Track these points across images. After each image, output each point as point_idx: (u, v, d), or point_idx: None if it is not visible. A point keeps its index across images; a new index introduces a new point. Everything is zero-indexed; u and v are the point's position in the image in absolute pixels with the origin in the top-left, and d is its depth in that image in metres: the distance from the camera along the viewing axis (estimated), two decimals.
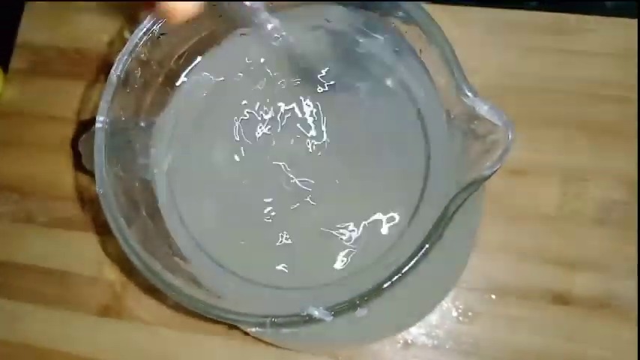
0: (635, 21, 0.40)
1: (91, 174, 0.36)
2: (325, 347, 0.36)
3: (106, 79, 0.43)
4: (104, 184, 0.25)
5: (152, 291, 0.41)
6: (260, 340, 0.38)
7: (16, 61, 0.48)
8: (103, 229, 0.43)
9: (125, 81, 0.25)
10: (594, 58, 0.40)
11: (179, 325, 0.41)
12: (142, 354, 0.41)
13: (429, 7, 0.40)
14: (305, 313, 0.21)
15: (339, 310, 0.21)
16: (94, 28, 0.47)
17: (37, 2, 0.49)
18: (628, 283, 0.36)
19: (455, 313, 0.38)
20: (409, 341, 0.38)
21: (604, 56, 0.40)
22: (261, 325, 0.22)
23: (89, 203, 0.44)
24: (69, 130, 0.45)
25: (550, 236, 0.38)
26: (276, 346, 0.38)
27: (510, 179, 0.39)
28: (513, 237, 0.38)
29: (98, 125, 0.25)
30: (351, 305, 0.21)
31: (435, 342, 0.38)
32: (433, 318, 0.37)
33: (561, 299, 0.37)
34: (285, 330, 0.21)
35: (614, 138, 0.39)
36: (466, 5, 0.42)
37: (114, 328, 0.42)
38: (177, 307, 0.41)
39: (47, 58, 0.48)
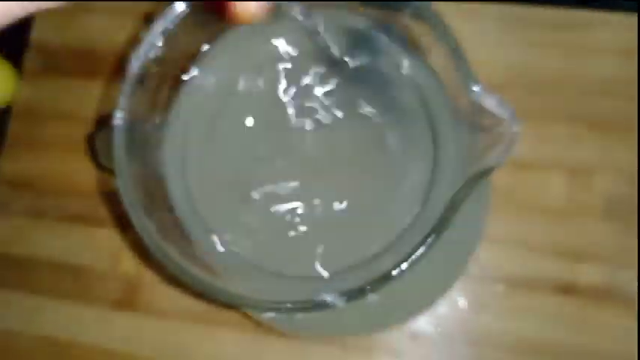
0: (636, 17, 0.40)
1: (106, 170, 0.37)
2: (336, 336, 0.37)
3: (118, 78, 0.45)
4: (123, 176, 0.26)
5: (166, 283, 0.42)
6: (272, 330, 0.39)
7: (29, 62, 0.49)
8: (117, 224, 0.44)
9: (142, 78, 0.26)
10: (602, 55, 0.40)
11: (193, 316, 0.42)
12: (157, 344, 0.42)
13: (440, 4, 0.41)
14: (319, 299, 0.22)
15: (352, 295, 0.22)
16: (105, 28, 0.47)
17: None
18: (632, 274, 0.37)
19: (462, 304, 0.38)
20: (417, 331, 0.39)
21: (613, 52, 0.40)
22: (277, 310, 0.22)
23: (103, 199, 0.45)
24: (82, 128, 0.46)
25: (556, 228, 0.39)
26: (288, 336, 0.39)
27: (518, 173, 0.40)
28: (520, 229, 0.39)
29: (117, 121, 0.26)
30: (363, 291, 0.22)
31: (443, 332, 0.38)
32: (441, 309, 0.38)
33: (567, 290, 0.38)
34: (299, 315, 0.22)
35: (621, 133, 0.39)
36: (476, 1, 0.43)
37: (129, 320, 0.43)
38: (191, 299, 0.42)
39: (59, 57, 0.49)
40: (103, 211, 0.44)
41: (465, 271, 0.34)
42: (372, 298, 0.22)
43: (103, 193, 0.45)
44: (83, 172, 0.45)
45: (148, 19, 0.27)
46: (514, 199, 0.40)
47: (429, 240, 0.22)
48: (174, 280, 0.26)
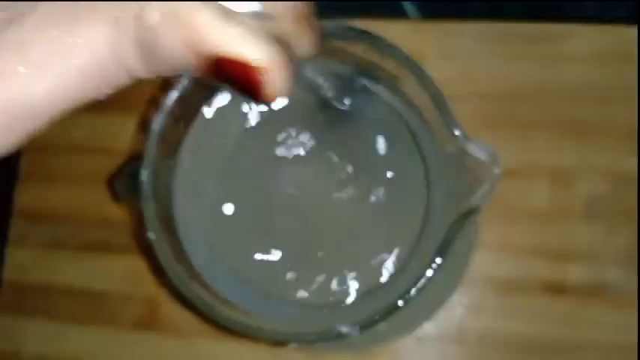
0: (610, 27, 0.43)
1: (121, 202, 0.39)
2: (346, 351, 0.40)
3: (128, 112, 0.47)
4: (156, 232, 0.28)
5: (182, 304, 0.45)
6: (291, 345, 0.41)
7: None
8: (132, 250, 0.46)
9: (162, 135, 0.28)
10: (577, 63, 0.43)
11: (210, 332, 0.44)
12: None
13: (423, 25, 0.43)
14: (335, 330, 0.25)
15: (365, 325, 0.25)
16: None
17: None
18: (617, 271, 0.40)
19: (460, 309, 0.41)
20: (420, 336, 0.41)
21: (585, 60, 0.43)
22: (296, 342, 0.25)
23: (117, 227, 0.47)
24: (95, 161, 0.48)
25: (543, 231, 0.41)
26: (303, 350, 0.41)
27: (503, 180, 0.42)
28: (509, 234, 0.42)
29: (143, 179, 0.28)
30: (376, 320, 0.25)
31: (444, 336, 0.41)
32: (441, 314, 0.41)
33: (556, 289, 0.40)
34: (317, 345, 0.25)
35: (598, 137, 0.42)
36: (456, 20, 0.45)
37: (150, 340, 0.45)
38: (207, 319, 0.44)
39: None
40: (117, 239, 0.47)
41: (461, 282, 0.37)
42: (383, 325, 0.25)
43: (117, 221, 0.47)
44: (96, 203, 0.47)
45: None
46: (501, 205, 0.42)
47: (431, 272, 0.24)
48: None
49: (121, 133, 0.48)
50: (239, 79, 0.18)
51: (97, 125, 0.49)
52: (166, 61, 0.18)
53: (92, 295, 0.47)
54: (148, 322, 0.46)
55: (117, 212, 0.47)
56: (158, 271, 0.45)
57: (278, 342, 0.26)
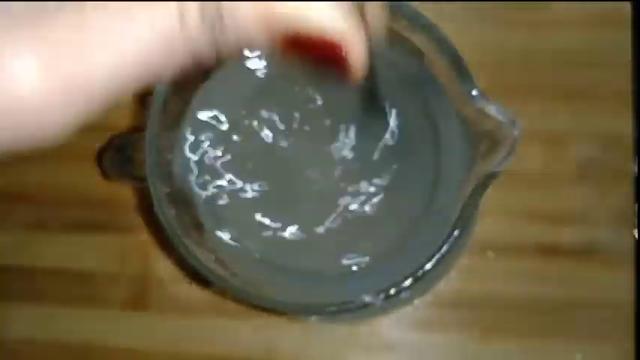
0: None
1: (110, 178, 0.38)
2: (349, 321, 0.40)
3: None
4: (162, 204, 0.27)
5: (173, 282, 0.44)
6: (283, 315, 0.41)
7: None
8: (119, 228, 0.45)
9: (163, 109, 0.27)
10: (565, 29, 0.43)
11: (203, 309, 0.43)
12: (169, 340, 0.44)
13: None
14: (359, 301, 0.25)
15: (389, 295, 0.25)
16: None
17: None
18: (609, 232, 0.41)
19: (457, 273, 0.42)
20: (416, 302, 0.42)
21: (573, 26, 0.43)
22: (321, 313, 0.25)
23: (102, 205, 0.46)
24: (76, 138, 0.46)
25: (536, 195, 0.42)
26: (300, 321, 0.41)
27: None
28: (503, 199, 0.42)
29: (147, 151, 0.27)
30: (400, 290, 0.24)
31: (441, 301, 0.41)
32: (441, 282, 0.41)
33: (550, 250, 0.41)
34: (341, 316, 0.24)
35: (588, 101, 0.42)
36: None
37: (140, 319, 0.44)
38: (198, 294, 0.44)
39: None
40: (103, 217, 0.45)
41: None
42: (405, 294, 0.24)
43: (103, 199, 0.46)
44: (79, 180, 0.46)
45: None
46: None
47: (453, 239, 0.24)
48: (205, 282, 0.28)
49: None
50: (320, 55, 0.17)
51: None
52: (237, 39, 0.17)
53: (80, 275, 0.45)
54: (138, 302, 0.45)
55: (102, 190, 0.45)
56: (152, 248, 0.45)
57: (299, 314, 0.26)
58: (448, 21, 0.43)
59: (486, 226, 0.42)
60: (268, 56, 0.30)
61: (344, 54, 0.17)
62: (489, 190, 0.41)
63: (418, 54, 0.28)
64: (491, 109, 0.24)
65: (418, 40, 0.27)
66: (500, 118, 0.24)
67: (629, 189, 0.41)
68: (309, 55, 0.17)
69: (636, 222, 0.41)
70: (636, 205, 0.41)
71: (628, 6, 0.42)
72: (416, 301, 0.41)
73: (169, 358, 0.43)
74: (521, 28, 0.44)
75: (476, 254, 0.42)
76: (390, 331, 0.41)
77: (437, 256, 0.24)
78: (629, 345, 0.39)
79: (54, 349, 0.45)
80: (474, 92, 0.24)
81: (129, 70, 0.17)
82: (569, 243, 0.41)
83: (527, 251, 0.41)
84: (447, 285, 0.41)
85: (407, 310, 0.41)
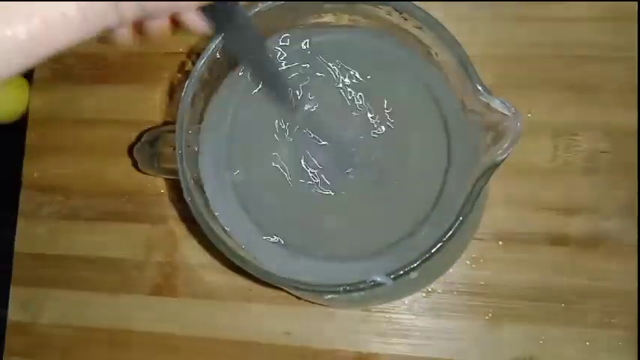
0: None
1: (141, 170, 0.40)
2: (362, 305, 0.42)
3: (129, 79, 0.47)
4: (191, 192, 0.29)
5: (199, 269, 0.46)
6: (304, 302, 0.43)
7: (39, 71, 0.52)
8: (146, 218, 0.48)
9: (192, 102, 0.29)
10: (575, 24, 0.44)
11: (226, 295, 0.46)
12: (195, 323, 0.46)
13: None
14: (370, 280, 0.27)
15: (398, 275, 0.27)
16: None
17: None
18: (617, 223, 0.42)
19: (468, 262, 0.43)
20: (430, 289, 0.43)
21: (584, 21, 0.44)
22: (335, 292, 0.27)
23: (133, 196, 0.48)
24: (101, 130, 0.49)
25: (546, 186, 0.43)
26: (319, 305, 0.43)
27: None
28: (514, 190, 0.44)
29: (178, 143, 0.29)
30: (409, 270, 0.26)
31: (453, 288, 0.43)
32: (450, 268, 0.43)
33: (559, 241, 0.43)
34: (354, 295, 0.26)
35: (597, 94, 0.44)
36: None
37: (167, 304, 0.47)
38: (223, 281, 0.46)
39: (68, 64, 0.51)
40: (133, 207, 0.48)
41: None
42: (414, 275, 0.26)
43: (130, 190, 0.48)
44: (111, 172, 0.48)
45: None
46: (505, 163, 0.44)
47: (458, 222, 0.26)
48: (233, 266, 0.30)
49: (122, 105, 0.49)
50: None
51: (102, 99, 0.50)
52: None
53: (110, 263, 0.48)
54: (165, 288, 0.47)
55: (133, 181, 0.48)
56: (179, 237, 0.47)
57: (315, 292, 0.28)
58: (461, 19, 0.46)
59: (497, 216, 0.43)
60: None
61: None
62: (501, 182, 0.43)
63: (426, 52, 0.30)
64: (496, 103, 0.26)
65: (427, 38, 0.29)
66: (504, 111, 0.26)
67: (637, 181, 0.42)
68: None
69: None
70: None
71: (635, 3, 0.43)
72: (429, 288, 0.43)
73: (195, 342, 0.46)
74: (532, 23, 0.45)
75: (487, 243, 0.43)
76: (403, 317, 0.43)
77: (443, 240, 0.26)
78: (637, 334, 0.40)
79: (84, 333, 0.47)
80: (479, 87, 0.26)
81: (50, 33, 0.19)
82: (578, 233, 0.42)
83: (537, 241, 0.43)
84: (458, 273, 0.43)
85: (420, 297, 0.43)
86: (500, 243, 0.43)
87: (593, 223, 0.42)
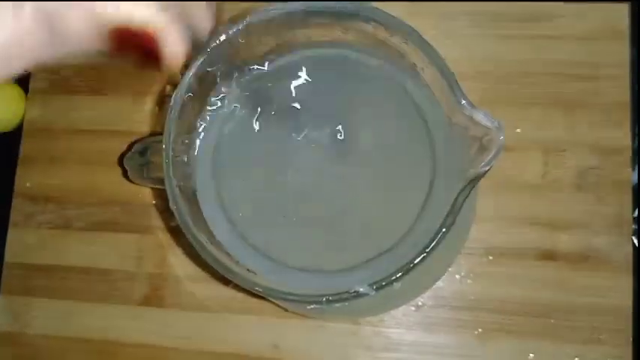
0: (599, 4, 0.45)
1: (132, 180, 0.41)
2: (350, 317, 0.41)
3: (124, 90, 0.48)
4: (177, 201, 0.29)
5: (188, 280, 0.46)
6: (292, 314, 0.43)
7: (35, 82, 0.52)
8: (137, 229, 0.48)
9: (180, 115, 0.29)
10: (564, 42, 0.45)
11: (215, 307, 0.46)
12: (184, 335, 0.46)
13: (416, 5, 0.44)
14: (353, 291, 0.27)
15: (381, 286, 0.27)
16: None
17: None
18: (605, 239, 0.42)
19: (458, 276, 0.43)
20: (420, 304, 0.43)
21: (572, 39, 0.45)
22: (318, 302, 0.27)
23: (122, 207, 0.48)
24: (95, 142, 0.49)
25: (535, 202, 0.44)
26: (308, 317, 0.43)
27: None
28: (504, 205, 0.44)
29: (165, 152, 0.29)
30: (391, 281, 0.26)
31: (443, 302, 0.43)
32: (440, 282, 0.43)
33: (548, 256, 0.43)
34: (336, 305, 0.26)
35: (585, 111, 0.44)
36: (448, 1, 0.46)
37: (156, 315, 0.47)
38: (212, 292, 0.46)
39: (65, 76, 0.52)
40: (122, 218, 0.48)
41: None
42: (397, 286, 0.26)
43: (121, 200, 0.48)
44: (101, 182, 0.49)
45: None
46: (496, 178, 0.44)
47: (441, 233, 0.26)
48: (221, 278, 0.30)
49: (117, 116, 0.50)
50: (136, 45, 0.20)
51: (95, 109, 0.50)
52: (72, 40, 0.19)
53: (99, 273, 0.48)
54: (155, 299, 0.47)
55: (123, 192, 0.48)
56: (169, 248, 0.47)
57: (298, 302, 0.28)
58: (452, 37, 0.46)
59: (487, 231, 0.43)
60: None
61: (157, 45, 0.20)
62: (491, 197, 0.43)
63: (413, 67, 0.31)
64: (479, 116, 0.26)
65: (412, 54, 0.29)
66: (487, 124, 0.26)
67: (626, 197, 0.42)
68: (131, 48, 0.20)
69: (634, 229, 0.42)
70: (636, 212, 0.42)
71: (626, 19, 0.44)
72: (419, 302, 0.43)
73: (183, 354, 0.45)
74: (522, 41, 0.46)
75: (477, 258, 0.43)
76: (393, 331, 0.43)
77: (425, 251, 0.26)
78: (626, 350, 0.40)
79: (73, 343, 0.47)
80: (463, 101, 0.26)
81: None
82: (568, 249, 0.42)
83: (527, 256, 0.43)
84: (448, 287, 0.43)
85: (409, 311, 0.43)
86: (491, 258, 0.43)
87: (582, 239, 0.42)
